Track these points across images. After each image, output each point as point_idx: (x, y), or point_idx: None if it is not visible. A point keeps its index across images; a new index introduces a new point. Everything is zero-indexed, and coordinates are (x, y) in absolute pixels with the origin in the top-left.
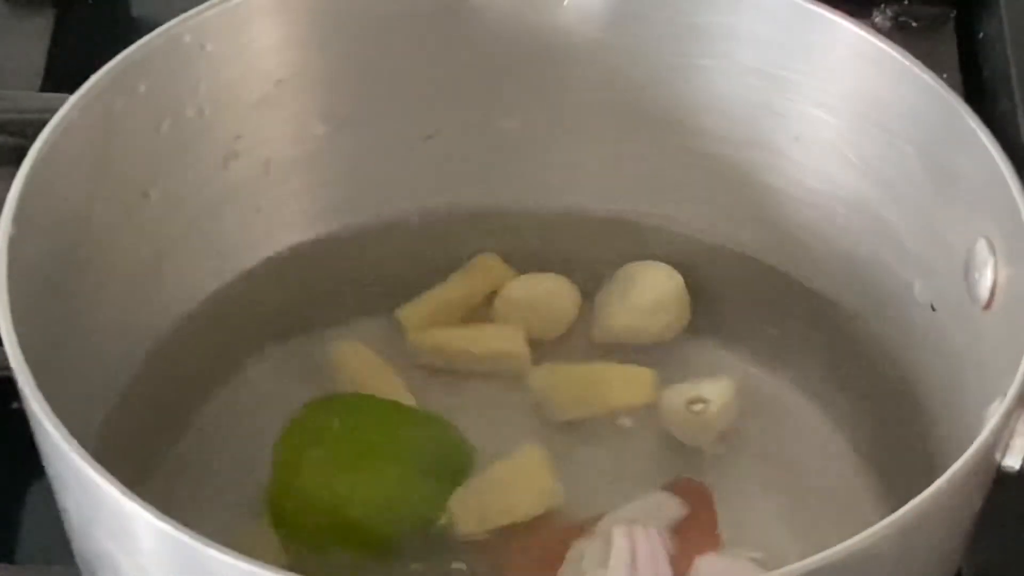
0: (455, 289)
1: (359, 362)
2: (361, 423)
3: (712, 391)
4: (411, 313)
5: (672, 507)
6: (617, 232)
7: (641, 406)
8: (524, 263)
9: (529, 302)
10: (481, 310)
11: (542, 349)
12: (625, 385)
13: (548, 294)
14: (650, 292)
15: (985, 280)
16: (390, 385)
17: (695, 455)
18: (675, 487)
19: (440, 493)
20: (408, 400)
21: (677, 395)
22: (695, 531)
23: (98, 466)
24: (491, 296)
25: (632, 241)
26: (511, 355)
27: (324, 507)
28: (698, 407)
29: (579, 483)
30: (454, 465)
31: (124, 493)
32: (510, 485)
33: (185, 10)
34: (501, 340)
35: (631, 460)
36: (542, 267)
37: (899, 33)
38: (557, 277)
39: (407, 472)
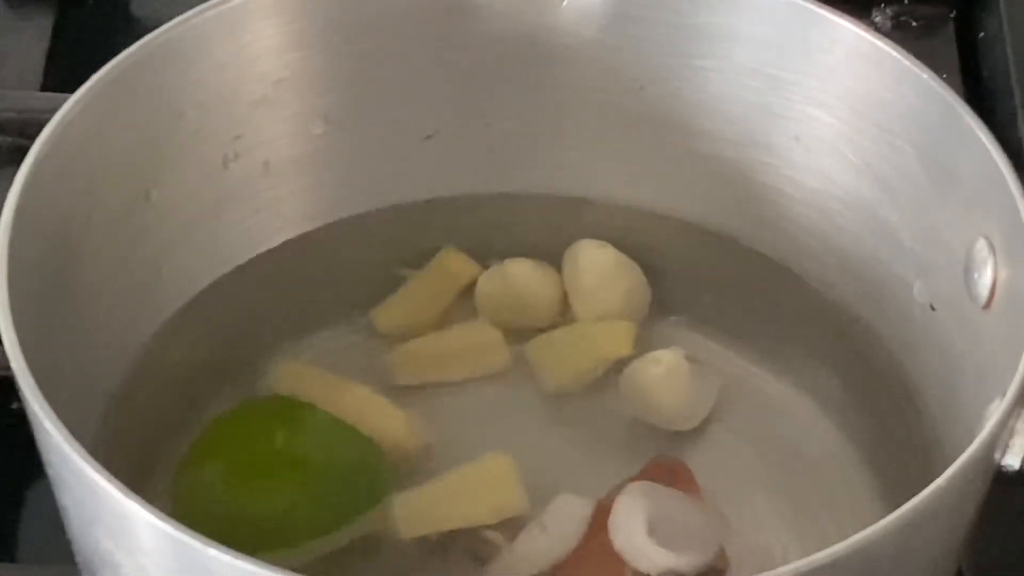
0: (423, 289)
1: (303, 384)
2: (271, 429)
3: (667, 353)
4: (385, 316)
5: (581, 508)
6: (616, 230)
7: (622, 358)
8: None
9: (512, 294)
10: (461, 309)
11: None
12: (606, 338)
13: (529, 284)
14: (587, 271)
15: (985, 280)
16: (346, 395)
17: (689, 454)
18: (653, 465)
19: (347, 508)
20: (373, 404)
21: (634, 368)
22: None
23: (98, 466)
24: (463, 293)
25: (631, 238)
26: (487, 347)
27: (220, 511)
28: (654, 368)
29: (560, 475)
30: (367, 480)
31: (124, 493)
32: (466, 491)
33: (185, 10)
34: (476, 335)
35: (615, 454)
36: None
37: (899, 33)
38: (538, 265)
39: (310, 482)
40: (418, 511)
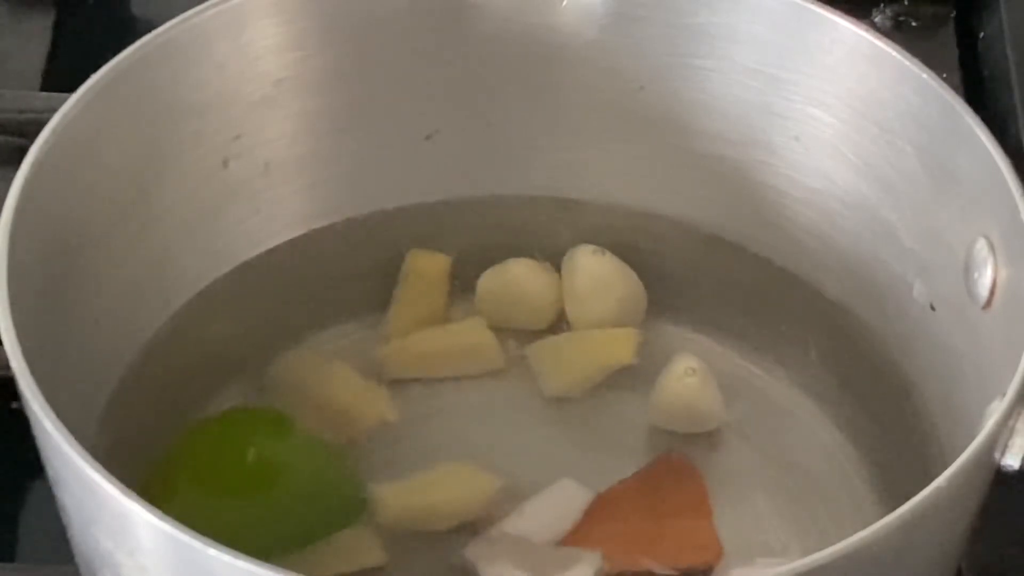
0: (411, 298)
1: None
2: (243, 443)
3: (688, 360)
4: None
5: (578, 496)
6: (615, 230)
7: (623, 365)
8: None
9: (513, 294)
10: (462, 308)
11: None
12: (608, 345)
13: (530, 284)
14: (582, 277)
15: (985, 280)
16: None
17: (689, 453)
18: (659, 463)
19: (314, 527)
20: (373, 404)
21: (668, 381)
22: (684, 504)
23: (98, 466)
24: (456, 287)
25: (630, 238)
26: (481, 346)
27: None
28: (691, 378)
29: (560, 473)
30: (338, 502)
31: (124, 493)
32: (437, 491)
33: (185, 10)
34: (469, 333)
35: (614, 453)
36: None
37: (899, 33)
38: (539, 266)
39: (277, 498)
40: (396, 504)
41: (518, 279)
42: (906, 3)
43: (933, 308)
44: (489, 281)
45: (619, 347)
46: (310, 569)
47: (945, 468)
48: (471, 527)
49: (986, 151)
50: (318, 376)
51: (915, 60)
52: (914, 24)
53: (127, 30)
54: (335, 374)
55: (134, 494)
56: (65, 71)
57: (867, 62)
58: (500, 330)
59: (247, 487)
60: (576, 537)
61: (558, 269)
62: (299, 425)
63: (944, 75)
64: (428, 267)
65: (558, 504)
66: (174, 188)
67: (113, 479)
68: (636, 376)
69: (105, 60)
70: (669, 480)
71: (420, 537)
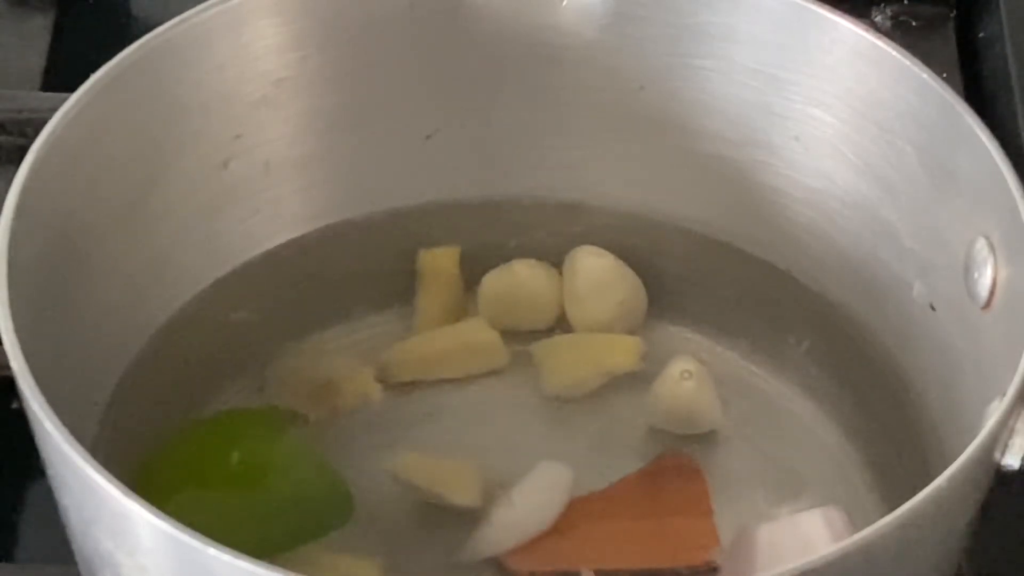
0: (433, 297)
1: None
2: (233, 444)
3: (685, 362)
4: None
5: (561, 476)
6: (615, 230)
7: (626, 372)
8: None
9: (516, 294)
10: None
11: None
12: (612, 350)
13: (534, 284)
14: (582, 278)
15: (984, 280)
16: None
17: (691, 455)
18: (661, 460)
19: (298, 532)
20: (357, 380)
21: (664, 383)
22: (685, 502)
23: (98, 466)
24: (459, 288)
25: (630, 239)
26: (485, 346)
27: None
28: (687, 381)
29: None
30: (323, 509)
31: (124, 493)
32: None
33: (185, 10)
34: (473, 333)
35: (613, 452)
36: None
37: (899, 33)
38: (543, 266)
39: (262, 501)
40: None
41: (521, 279)
42: (906, 3)
43: (933, 308)
44: (492, 282)
45: (623, 353)
46: None
47: (945, 468)
48: (468, 522)
49: (986, 151)
50: (308, 358)
51: (915, 60)
52: (914, 24)
53: (127, 30)
54: (320, 352)
55: (134, 494)
56: (65, 71)
57: (867, 62)
58: (503, 331)
59: (235, 488)
60: (577, 535)
61: (559, 270)
62: (292, 424)
63: (944, 75)
64: (440, 262)
65: (544, 488)
66: (174, 188)
67: (113, 479)
68: (636, 377)
69: (105, 60)
70: (671, 478)
71: (420, 537)
